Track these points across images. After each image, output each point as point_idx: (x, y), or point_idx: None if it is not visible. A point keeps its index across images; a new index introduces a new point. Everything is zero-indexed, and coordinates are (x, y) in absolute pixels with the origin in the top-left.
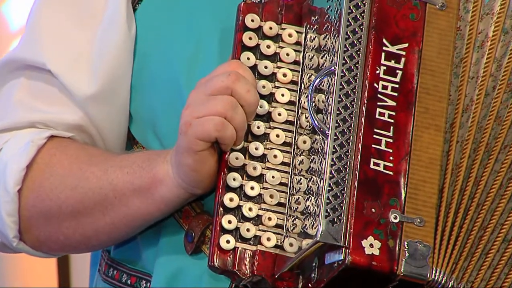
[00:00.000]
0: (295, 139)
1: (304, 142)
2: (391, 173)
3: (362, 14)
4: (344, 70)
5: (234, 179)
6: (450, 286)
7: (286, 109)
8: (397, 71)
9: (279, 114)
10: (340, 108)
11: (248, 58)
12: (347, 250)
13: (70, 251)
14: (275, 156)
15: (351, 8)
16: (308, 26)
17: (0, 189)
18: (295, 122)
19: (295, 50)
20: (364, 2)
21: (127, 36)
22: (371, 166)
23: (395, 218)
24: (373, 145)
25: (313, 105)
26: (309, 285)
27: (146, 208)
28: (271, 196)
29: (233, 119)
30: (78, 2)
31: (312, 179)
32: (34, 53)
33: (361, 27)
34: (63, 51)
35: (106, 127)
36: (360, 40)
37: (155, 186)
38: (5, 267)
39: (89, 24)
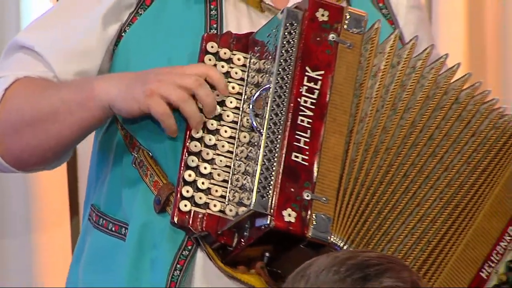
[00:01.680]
0: (238, 134)
1: (245, 137)
2: (307, 164)
3: (292, 48)
4: (276, 87)
5: (192, 161)
6: (343, 246)
7: (233, 113)
8: (315, 90)
9: (228, 116)
10: (272, 114)
11: None
12: (272, 217)
13: (28, 160)
14: (223, 146)
15: (284, 43)
16: (252, 53)
17: None
18: (239, 122)
19: (242, 70)
20: (294, 39)
21: (100, 35)
22: (292, 158)
23: (307, 196)
24: (294, 143)
25: (253, 111)
26: (242, 240)
27: (82, 115)
28: (218, 175)
29: (189, 109)
30: (75, 3)
31: (249, 164)
32: (28, 39)
33: (291, 57)
34: (47, 39)
35: None
36: (289, 66)
37: (93, 99)
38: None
39: (75, 20)
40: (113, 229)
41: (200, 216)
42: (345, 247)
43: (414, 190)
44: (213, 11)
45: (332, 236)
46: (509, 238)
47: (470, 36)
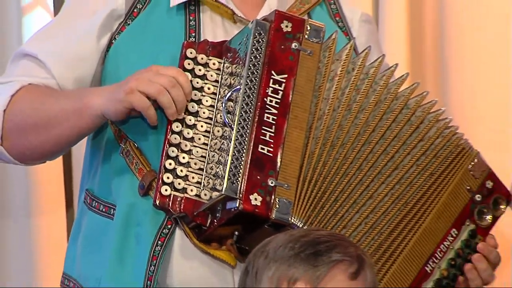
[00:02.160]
0: (212, 129)
1: (218, 131)
2: (271, 155)
3: (260, 55)
4: (246, 88)
5: (172, 151)
6: (302, 226)
7: (208, 110)
8: (279, 91)
9: (204, 113)
10: (242, 112)
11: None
12: (240, 201)
13: (31, 156)
14: (199, 139)
15: (253, 50)
16: (226, 59)
17: None
18: (213, 118)
19: (216, 73)
20: (261, 47)
21: (95, 45)
22: (259, 149)
23: (272, 183)
24: (261, 137)
25: (226, 108)
26: (214, 221)
27: (76, 122)
28: (195, 164)
29: (164, 99)
30: (72, 16)
31: (222, 155)
32: (32, 48)
33: (259, 62)
34: (50, 48)
35: None
36: (257, 70)
37: (87, 108)
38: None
39: (73, 31)
40: (104, 210)
41: (178, 199)
42: (302, 225)
43: (368, 183)
44: (192, 22)
45: (293, 218)
46: (452, 238)
47: (412, 42)
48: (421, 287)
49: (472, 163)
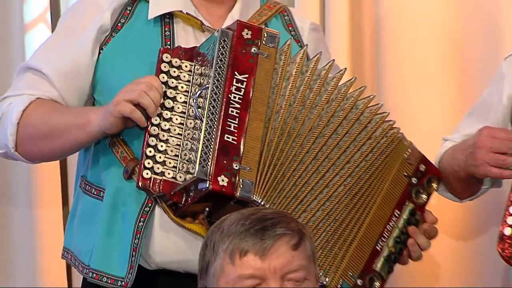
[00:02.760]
0: (186, 121)
1: (191, 123)
2: (235, 143)
3: (225, 58)
4: (213, 87)
5: (152, 141)
6: (262, 203)
7: (182, 105)
8: (242, 89)
9: (178, 108)
10: (210, 107)
11: (163, 77)
12: (210, 182)
13: (41, 159)
14: (174, 130)
15: (219, 54)
16: (196, 62)
17: (8, 121)
18: (186, 112)
19: (188, 74)
20: (226, 51)
21: (89, 58)
22: (225, 138)
23: (236, 166)
24: (226, 127)
25: (196, 104)
26: (188, 199)
27: (79, 135)
28: (171, 151)
29: (145, 101)
30: (67, 33)
31: (194, 143)
32: (36, 62)
33: (224, 64)
34: (52, 62)
35: (69, 102)
36: (223, 71)
37: (88, 124)
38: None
39: (70, 46)
40: (95, 193)
41: (158, 181)
42: (264, 204)
43: (323, 173)
44: (167, 32)
45: (254, 196)
46: (396, 218)
47: (353, 47)
48: (374, 263)
49: (407, 152)
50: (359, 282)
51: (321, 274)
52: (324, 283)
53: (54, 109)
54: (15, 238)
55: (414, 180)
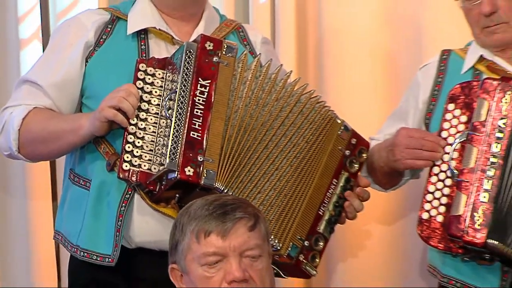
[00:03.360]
0: (158, 121)
1: (163, 122)
2: (200, 138)
3: (191, 66)
4: (181, 91)
5: (130, 138)
6: (223, 189)
7: (155, 108)
8: (205, 92)
9: (152, 110)
10: (178, 108)
11: (140, 83)
12: (178, 172)
13: (41, 158)
14: (149, 128)
15: (186, 63)
16: (167, 70)
17: (10, 128)
18: (159, 113)
19: (161, 81)
20: (191, 61)
21: (78, 70)
22: (191, 135)
23: (200, 158)
24: (192, 125)
25: (167, 106)
26: (161, 187)
27: (72, 138)
28: (146, 146)
29: (125, 105)
30: (57, 50)
31: (165, 140)
32: (32, 76)
33: (190, 72)
34: (46, 75)
35: (62, 108)
36: (189, 77)
37: (79, 129)
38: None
39: (60, 61)
40: (82, 183)
41: (135, 173)
42: (226, 191)
43: (273, 159)
44: (143, 46)
45: (216, 183)
46: (333, 186)
47: (298, 55)
48: (317, 226)
49: (341, 129)
50: (306, 243)
51: (276, 241)
52: (278, 248)
53: (50, 116)
54: (11, 224)
55: (347, 152)
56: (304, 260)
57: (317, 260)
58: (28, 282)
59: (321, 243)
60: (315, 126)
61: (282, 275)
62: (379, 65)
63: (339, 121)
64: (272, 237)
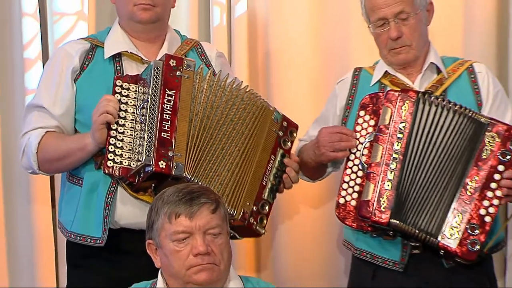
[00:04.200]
0: (135, 125)
1: (138, 126)
2: (169, 138)
3: (158, 80)
4: (152, 100)
5: (112, 140)
6: (190, 178)
7: (131, 115)
8: (171, 100)
9: (129, 116)
10: (150, 114)
11: (117, 96)
12: (153, 166)
13: (58, 172)
14: (127, 131)
15: (154, 78)
16: (139, 84)
17: (30, 152)
18: (135, 119)
19: (134, 93)
20: (159, 75)
21: (71, 90)
22: (162, 135)
23: (170, 154)
24: (162, 128)
25: (141, 113)
26: (140, 179)
27: (81, 155)
28: (126, 146)
29: (110, 108)
30: (52, 76)
31: (141, 140)
32: (38, 101)
33: (158, 84)
34: (49, 99)
35: (66, 128)
36: (158, 89)
37: (86, 146)
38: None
39: (55, 85)
40: (76, 181)
41: (118, 168)
42: (192, 179)
43: (226, 148)
44: (118, 67)
45: (185, 173)
46: (272, 161)
47: (249, 68)
48: (262, 194)
49: (273, 115)
50: (254, 208)
51: (231, 210)
52: (233, 214)
53: (60, 138)
54: (17, 222)
55: (280, 133)
56: (254, 222)
57: (264, 221)
58: (32, 282)
59: (267, 208)
60: (254, 115)
61: (238, 236)
62: (313, 78)
63: (271, 108)
64: (228, 207)
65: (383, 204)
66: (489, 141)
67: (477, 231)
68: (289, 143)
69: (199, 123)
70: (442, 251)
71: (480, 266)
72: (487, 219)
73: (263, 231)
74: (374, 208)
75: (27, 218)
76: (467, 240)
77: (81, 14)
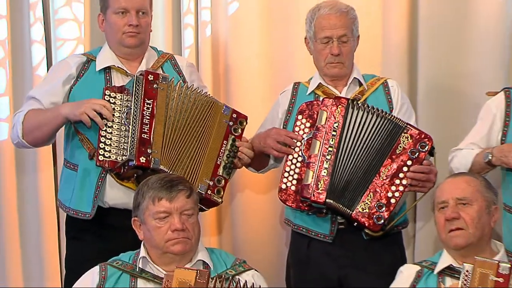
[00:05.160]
0: (120, 127)
1: (123, 128)
2: (149, 138)
3: (139, 91)
4: (134, 107)
5: (103, 138)
6: (166, 169)
7: (118, 118)
8: (150, 108)
9: (116, 119)
10: (133, 118)
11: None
12: (135, 160)
13: (38, 142)
14: (115, 132)
15: (136, 89)
16: (124, 93)
17: (17, 123)
18: (120, 122)
19: (120, 101)
20: (140, 87)
21: (61, 90)
22: (142, 136)
23: (149, 151)
24: (143, 130)
25: (126, 117)
26: (125, 169)
27: (56, 122)
28: (114, 143)
29: (105, 108)
30: (51, 78)
31: (126, 139)
32: (35, 94)
33: (139, 94)
34: (41, 92)
35: None
36: (139, 98)
37: (59, 116)
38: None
39: (53, 85)
40: (72, 167)
41: (107, 161)
42: (167, 170)
43: (189, 141)
44: (108, 78)
45: (161, 166)
46: (225, 145)
47: (213, 77)
48: (218, 171)
49: (223, 108)
50: (210, 182)
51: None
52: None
53: (40, 112)
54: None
55: (231, 123)
56: (211, 193)
57: (221, 193)
58: (41, 282)
59: (223, 182)
60: (205, 111)
61: (205, 208)
62: (263, 87)
63: (220, 104)
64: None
65: (320, 187)
66: (403, 141)
67: (383, 209)
68: (239, 130)
69: (171, 125)
70: (355, 222)
71: (391, 238)
72: (392, 201)
73: (220, 200)
74: (313, 190)
75: (35, 198)
76: (374, 215)
77: (80, 39)
